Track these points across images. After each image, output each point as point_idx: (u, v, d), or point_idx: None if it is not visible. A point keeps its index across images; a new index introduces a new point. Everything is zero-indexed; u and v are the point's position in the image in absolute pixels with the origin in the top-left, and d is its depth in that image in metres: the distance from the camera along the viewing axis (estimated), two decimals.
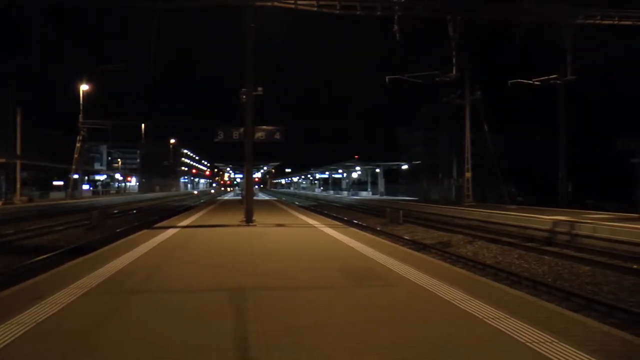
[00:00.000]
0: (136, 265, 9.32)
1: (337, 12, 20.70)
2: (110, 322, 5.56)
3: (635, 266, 13.43)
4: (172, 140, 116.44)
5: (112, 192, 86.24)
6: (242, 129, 19.43)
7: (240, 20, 18.51)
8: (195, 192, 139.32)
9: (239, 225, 18.08)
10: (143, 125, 57.57)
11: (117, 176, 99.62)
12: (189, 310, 6.09)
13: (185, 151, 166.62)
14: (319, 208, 43.56)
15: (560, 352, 4.57)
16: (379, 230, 23.72)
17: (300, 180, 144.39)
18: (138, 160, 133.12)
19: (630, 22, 22.34)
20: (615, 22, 22.37)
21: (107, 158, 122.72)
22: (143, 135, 59.84)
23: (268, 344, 4.75)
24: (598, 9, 22.36)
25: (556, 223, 20.05)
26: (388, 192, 68.39)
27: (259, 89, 19.32)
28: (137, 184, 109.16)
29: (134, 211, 40.93)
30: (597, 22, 22.55)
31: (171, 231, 16.02)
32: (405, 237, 21.00)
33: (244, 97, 18.88)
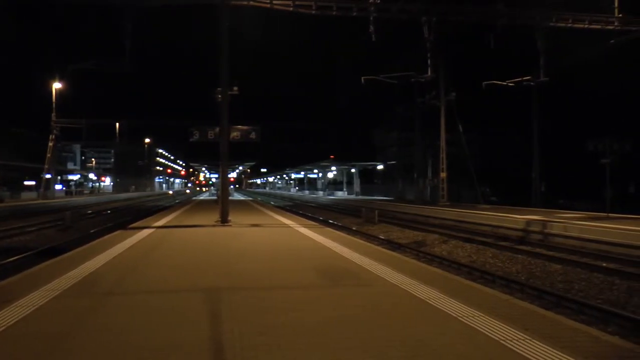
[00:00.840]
0: (111, 267, 9.23)
1: (313, 12, 20.76)
2: (84, 325, 5.50)
3: (604, 264, 13.69)
4: (147, 140, 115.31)
5: (85, 192, 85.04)
6: (217, 129, 19.35)
7: (216, 20, 18.46)
8: (170, 192, 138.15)
9: (214, 226, 18.00)
10: (117, 124, 56.99)
11: (91, 176, 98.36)
12: (164, 311, 6.06)
13: (161, 151, 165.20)
14: (295, 208, 43.57)
15: (533, 348, 4.65)
16: (354, 230, 23.80)
17: (275, 180, 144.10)
18: (112, 160, 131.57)
19: (599, 27, 22.84)
20: (586, 26, 22.83)
21: (81, 158, 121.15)
22: (117, 135, 59.26)
23: (243, 344, 4.75)
24: (570, 12, 22.79)
25: (529, 222, 20.33)
26: (363, 192, 68.61)
27: (235, 88, 19.26)
28: (112, 184, 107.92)
29: (109, 211, 40.47)
30: (569, 25, 22.99)
31: (146, 232, 15.89)
32: (381, 237, 21.10)
33: (220, 96, 18.80)
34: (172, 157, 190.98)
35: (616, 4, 22.26)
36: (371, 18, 21.20)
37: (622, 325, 8.27)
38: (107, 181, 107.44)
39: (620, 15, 22.43)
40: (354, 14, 21.12)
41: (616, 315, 8.65)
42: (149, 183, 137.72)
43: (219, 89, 18.89)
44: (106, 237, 14.94)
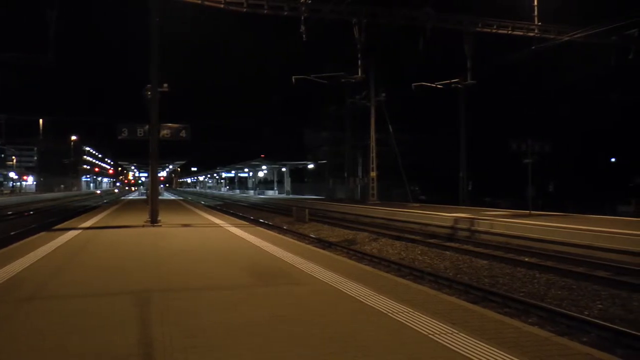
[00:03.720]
0: (33, 270, 8.87)
1: (244, 10, 20.67)
2: (1, 333, 5.25)
3: (526, 259, 14.28)
4: (73, 137, 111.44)
5: (5, 192, 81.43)
6: (147, 127, 18.95)
7: (146, 14, 18.05)
8: (98, 191, 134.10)
9: (143, 226, 17.62)
10: (41, 121, 54.85)
11: (12, 175, 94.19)
12: (91, 315, 5.88)
13: (88, 149, 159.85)
14: (225, 207, 43.21)
15: (460, 341, 4.80)
16: (285, 229, 23.82)
17: (206, 180, 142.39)
18: (35, 158, 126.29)
19: (521, 33, 23.85)
20: (509, 32, 23.83)
21: (0, 155, 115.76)
22: (41, 132, 57.07)
23: (173, 347, 4.67)
24: (494, 19, 23.72)
25: (457, 220, 20.92)
26: (294, 191, 68.77)
27: (165, 85, 18.90)
28: (35, 183, 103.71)
29: (31, 212, 38.86)
30: (494, 30, 23.93)
31: (72, 233, 15.36)
32: (311, 236, 21.21)
33: (149, 93, 18.41)
34: (100, 156, 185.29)
35: (535, 13, 23.28)
36: (302, 18, 21.28)
37: (540, 316, 8.68)
38: (30, 180, 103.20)
39: (540, 23, 23.48)
40: (285, 13, 21.14)
41: (536, 307, 9.06)
42: (76, 182, 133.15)
43: (148, 85, 18.49)
44: (28, 239, 14.33)
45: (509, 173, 35.47)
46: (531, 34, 23.80)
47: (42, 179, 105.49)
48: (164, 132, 19.62)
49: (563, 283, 11.40)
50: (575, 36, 23.48)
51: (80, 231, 16.06)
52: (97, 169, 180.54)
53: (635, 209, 32.49)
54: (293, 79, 31.10)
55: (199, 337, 4.97)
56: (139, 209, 28.10)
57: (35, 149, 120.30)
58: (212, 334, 5.10)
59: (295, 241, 14.68)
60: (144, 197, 46.87)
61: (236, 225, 18.29)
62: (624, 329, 7.67)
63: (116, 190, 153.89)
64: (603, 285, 10.92)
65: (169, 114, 23.12)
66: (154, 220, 18.16)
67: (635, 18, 22.14)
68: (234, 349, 4.62)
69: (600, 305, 9.46)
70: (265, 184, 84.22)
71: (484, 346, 4.67)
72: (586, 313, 8.90)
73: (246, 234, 15.11)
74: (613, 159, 52.28)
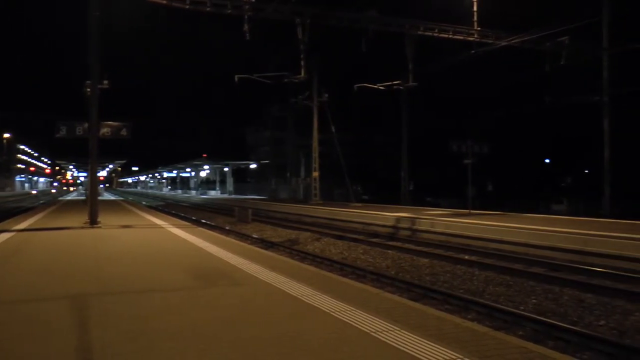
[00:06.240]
0: None
1: (187, 7, 20.46)
2: None
3: (466, 257, 14.64)
4: (7, 135, 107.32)
5: None
6: (86, 124, 18.46)
7: (85, 6, 17.55)
8: (34, 192, 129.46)
9: (82, 228, 17.14)
10: None
11: None
12: (27, 321, 5.69)
13: (23, 147, 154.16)
14: (167, 208, 42.58)
15: (402, 338, 4.89)
16: (227, 230, 23.64)
17: (147, 179, 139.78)
18: None
19: (462, 37, 24.51)
20: (450, 36, 24.45)
21: None
22: None
23: (114, 352, 4.56)
24: (435, 23, 24.29)
25: (398, 219, 21.25)
26: (237, 191, 68.35)
27: (105, 82, 18.42)
28: None
29: None
30: (435, 34, 24.49)
31: (5, 235, 14.77)
32: (254, 236, 21.13)
33: (89, 90, 17.93)
34: (36, 154, 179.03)
35: (475, 18, 23.96)
36: (246, 17, 21.21)
37: (479, 312, 8.93)
38: None
39: (479, 28, 24.17)
40: (228, 11, 21.02)
41: (475, 303, 9.31)
42: (9, 182, 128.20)
43: (88, 82, 18.00)
44: None
45: (450, 173, 36.28)
46: (471, 39, 24.48)
47: None
48: (104, 131, 19.17)
49: (501, 280, 11.75)
50: (512, 41, 24.32)
51: (14, 233, 15.47)
52: (32, 169, 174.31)
53: (567, 207, 33.82)
54: (236, 78, 30.98)
55: (141, 341, 4.89)
56: (77, 210, 27.32)
57: None
58: (154, 337, 5.02)
59: (238, 242, 14.62)
60: (83, 197, 45.66)
61: (178, 226, 18.05)
62: (554, 322, 8.00)
63: (54, 191, 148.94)
64: (538, 281, 11.31)
65: (110, 112, 22.61)
66: (93, 222, 17.71)
67: (566, 26, 23.13)
68: (177, 352, 4.56)
69: (534, 300, 9.80)
70: (208, 184, 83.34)
71: (425, 342, 4.78)
72: (522, 308, 9.20)
73: (188, 235, 14.94)
74: (547, 160, 54.24)
